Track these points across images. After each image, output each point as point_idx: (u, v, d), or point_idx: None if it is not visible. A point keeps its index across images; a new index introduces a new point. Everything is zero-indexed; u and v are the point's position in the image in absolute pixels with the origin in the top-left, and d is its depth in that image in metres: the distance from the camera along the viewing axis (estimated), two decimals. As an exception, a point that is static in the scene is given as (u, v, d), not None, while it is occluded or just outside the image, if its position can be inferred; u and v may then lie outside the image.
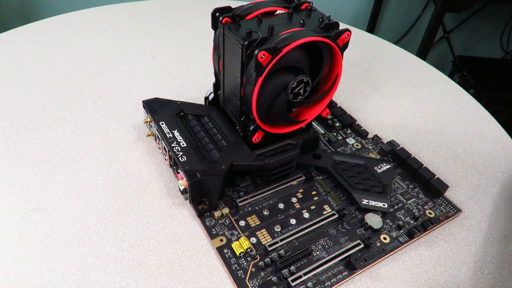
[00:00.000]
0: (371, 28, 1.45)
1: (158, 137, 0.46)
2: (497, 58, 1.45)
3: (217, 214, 0.40)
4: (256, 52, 0.34)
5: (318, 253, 0.38)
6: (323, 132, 0.52)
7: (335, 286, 0.36)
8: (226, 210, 0.41)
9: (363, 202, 0.42)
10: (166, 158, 0.45)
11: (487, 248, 0.40)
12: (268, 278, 0.36)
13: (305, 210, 0.42)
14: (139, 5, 0.82)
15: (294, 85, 0.39)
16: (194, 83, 0.61)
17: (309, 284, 0.35)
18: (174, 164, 0.45)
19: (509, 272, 0.38)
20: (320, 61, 0.40)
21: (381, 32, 1.51)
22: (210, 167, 0.40)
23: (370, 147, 0.51)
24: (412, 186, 0.46)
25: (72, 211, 0.41)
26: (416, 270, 0.38)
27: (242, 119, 0.41)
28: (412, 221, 0.42)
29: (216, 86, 0.47)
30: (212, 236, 0.39)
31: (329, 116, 0.48)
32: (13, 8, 1.34)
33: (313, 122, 0.52)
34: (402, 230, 0.41)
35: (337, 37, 0.38)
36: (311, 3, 0.42)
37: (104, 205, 0.42)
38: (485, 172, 0.49)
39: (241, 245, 0.38)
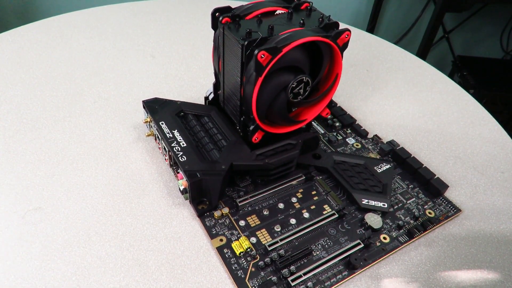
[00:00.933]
0: (371, 28, 1.45)
1: (158, 137, 0.46)
2: (497, 58, 1.45)
3: (217, 214, 0.40)
4: (256, 52, 0.34)
5: (318, 253, 0.38)
6: (323, 132, 0.52)
7: (335, 286, 0.36)
8: (226, 210, 0.41)
9: (363, 202, 0.42)
10: (166, 158, 0.45)
11: (487, 248, 0.40)
12: (268, 278, 0.36)
13: (305, 210, 0.42)
14: (139, 5, 0.82)
15: (294, 85, 0.39)
16: (194, 83, 0.61)
17: (309, 284, 0.35)
18: (174, 164, 0.45)
19: (509, 272, 0.38)
20: (320, 61, 0.40)
21: (381, 32, 1.51)
22: (210, 167, 0.40)
23: (370, 147, 0.51)
24: (412, 186, 0.46)
25: (72, 211, 0.41)
26: (416, 270, 0.38)
27: (242, 119, 0.41)
28: (412, 221, 0.42)
29: (216, 86, 0.47)
30: (212, 236, 0.39)
31: (329, 116, 0.48)
32: (13, 8, 1.34)
33: (313, 122, 0.52)
34: (402, 230, 0.41)
35: (337, 37, 0.38)
36: (311, 3, 0.42)
37: (104, 205, 0.42)
38: (485, 172, 0.49)
39: (241, 245, 0.38)
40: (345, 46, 0.39)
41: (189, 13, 0.81)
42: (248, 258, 0.37)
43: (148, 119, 0.47)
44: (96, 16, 0.77)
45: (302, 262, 0.37)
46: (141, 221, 0.40)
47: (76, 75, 0.61)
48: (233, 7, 0.41)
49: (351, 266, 0.37)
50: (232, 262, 0.37)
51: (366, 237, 0.39)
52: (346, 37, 0.39)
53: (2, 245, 0.37)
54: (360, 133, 0.52)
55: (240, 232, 0.39)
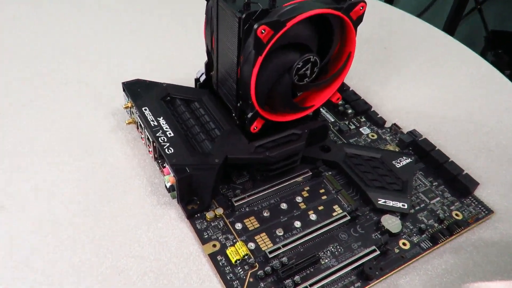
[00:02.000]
0: (390, -2, 1.44)
1: (140, 125, 0.46)
2: (537, 34, 1.45)
3: (209, 215, 0.41)
4: (255, 26, 0.34)
5: (326, 260, 0.38)
6: (333, 120, 0.53)
7: (346, 299, 0.36)
8: (220, 211, 0.41)
9: (379, 202, 0.42)
10: (150, 150, 0.45)
11: (522, 255, 0.41)
12: (268, 290, 0.36)
13: (311, 211, 0.42)
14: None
15: (299, 66, 0.39)
16: (182, 62, 0.61)
17: (316, 296, 0.36)
18: (160, 157, 0.45)
19: (547, 283, 0.39)
20: (330, 38, 0.40)
21: (401, 3, 1.50)
22: (201, 161, 0.40)
23: (387, 137, 0.51)
24: (436, 183, 0.46)
25: (40, 211, 0.41)
26: (441, 281, 0.38)
27: (238, 104, 0.41)
28: (436, 224, 0.42)
29: (209, 66, 0.47)
30: (203, 241, 0.39)
31: (340, 102, 0.48)
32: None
33: (321, 109, 0.52)
34: (425, 235, 0.41)
35: (350, 9, 0.38)
36: (320, -31, 0.41)
37: (78, 204, 0.42)
38: (522, 167, 0.49)
39: (237, 251, 0.38)
40: (359, 19, 0.39)
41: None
42: (246, 267, 0.37)
43: (129, 104, 0.47)
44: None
45: (308, 272, 0.37)
46: (120, 223, 0.40)
47: (45, 52, 0.60)
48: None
49: (365, 276, 0.37)
50: (227, 271, 0.37)
51: (382, 243, 0.39)
52: (360, 10, 0.38)
53: (-41, 251, 0.37)
54: (376, 121, 0.52)
55: (236, 237, 0.40)
